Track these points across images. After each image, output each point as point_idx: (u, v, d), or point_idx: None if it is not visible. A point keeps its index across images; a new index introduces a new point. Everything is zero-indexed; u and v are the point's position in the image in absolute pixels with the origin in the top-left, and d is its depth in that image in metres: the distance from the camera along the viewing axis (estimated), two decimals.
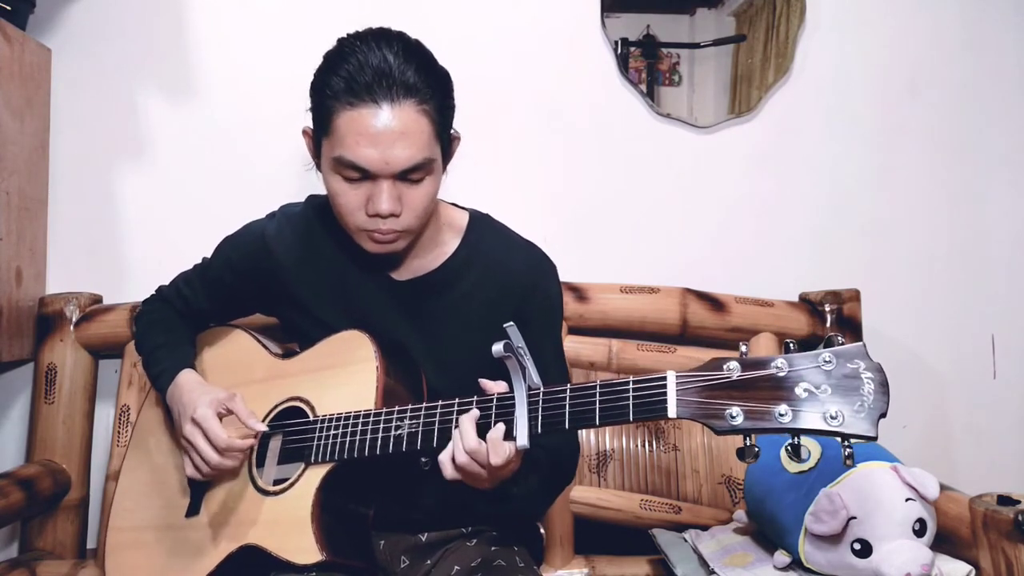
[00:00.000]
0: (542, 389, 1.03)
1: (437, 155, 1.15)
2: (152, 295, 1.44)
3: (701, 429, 1.72)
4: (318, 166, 1.20)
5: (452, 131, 1.20)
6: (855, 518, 1.28)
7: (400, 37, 1.14)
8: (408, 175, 1.12)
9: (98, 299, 1.81)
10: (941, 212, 2.00)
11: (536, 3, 1.92)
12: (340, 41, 1.16)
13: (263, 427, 1.20)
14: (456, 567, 1.21)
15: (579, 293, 1.78)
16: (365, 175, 1.12)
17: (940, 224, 2.00)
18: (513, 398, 1.03)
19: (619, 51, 1.92)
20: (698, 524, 1.62)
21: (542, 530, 1.44)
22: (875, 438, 0.87)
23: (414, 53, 1.13)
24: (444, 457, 1.06)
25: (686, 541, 1.53)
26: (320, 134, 1.15)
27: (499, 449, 1.02)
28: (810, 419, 0.88)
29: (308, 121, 1.19)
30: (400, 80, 1.09)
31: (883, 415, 0.88)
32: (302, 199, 1.33)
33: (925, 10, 1.99)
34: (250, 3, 1.88)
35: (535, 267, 1.27)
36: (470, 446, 1.03)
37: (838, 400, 0.88)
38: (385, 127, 1.09)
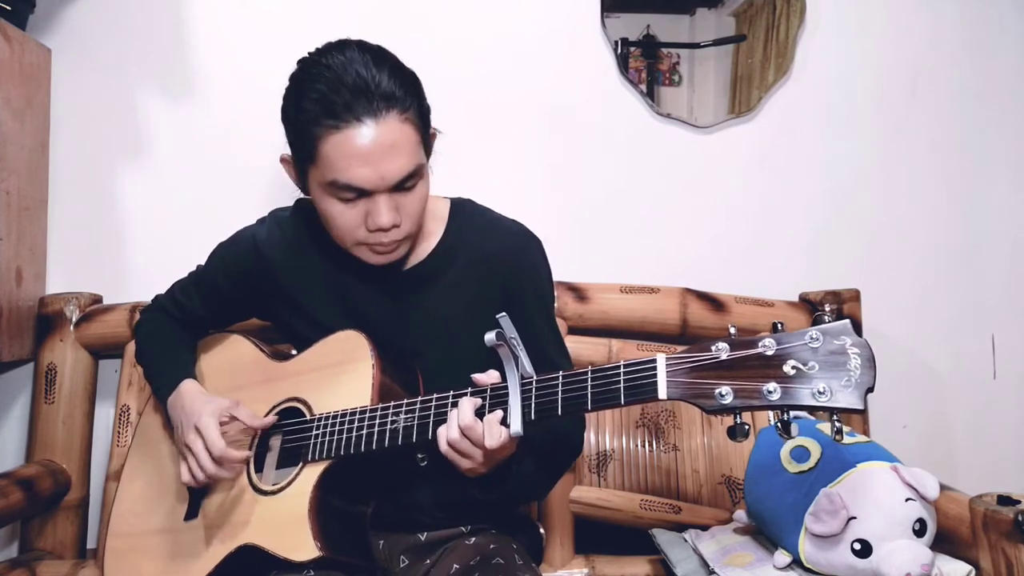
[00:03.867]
0: (535, 377, 1.04)
1: (424, 159, 1.15)
2: (149, 304, 1.44)
3: (701, 429, 1.72)
4: (304, 190, 1.20)
5: (431, 129, 1.20)
6: (855, 518, 1.28)
7: (364, 47, 1.13)
8: (402, 185, 1.12)
9: (98, 299, 1.81)
10: (941, 212, 2.00)
11: (536, 3, 1.92)
12: (303, 62, 1.14)
13: (268, 421, 1.22)
14: (455, 565, 1.21)
15: (579, 293, 1.78)
16: (361, 193, 1.12)
17: (940, 224, 2.00)
18: (507, 387, 1.03)
19: (619, 51, 1.92)
20: (698, 524, 1.62)
21: (542, 530, 1.44)
22: (863, 411, 0.89)
23: (381, 60, 1.12)
24: (440, 431, 1.07)
25: (686, 541, 1.53)
26: (304, 162, 1.14)
27: (494, 431, 1.03)
28: (799, 395, 0.90)
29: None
30: (378, 93, 1.08)
31: (870, 389, 0.89)
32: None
33: (925, 10, 1.99)
34: (250, 3, 1.88)
35: (519, 243, 1.27)
36: (465, 422, 1.04)
37: (826, 376, 0.90)
38: (374, 144, 1.08)
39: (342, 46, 1.13)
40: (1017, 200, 2.02)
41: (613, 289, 1.80)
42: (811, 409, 0.91)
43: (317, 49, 1.15)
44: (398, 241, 1.16)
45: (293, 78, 1.15)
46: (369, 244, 1.16)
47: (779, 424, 0.92)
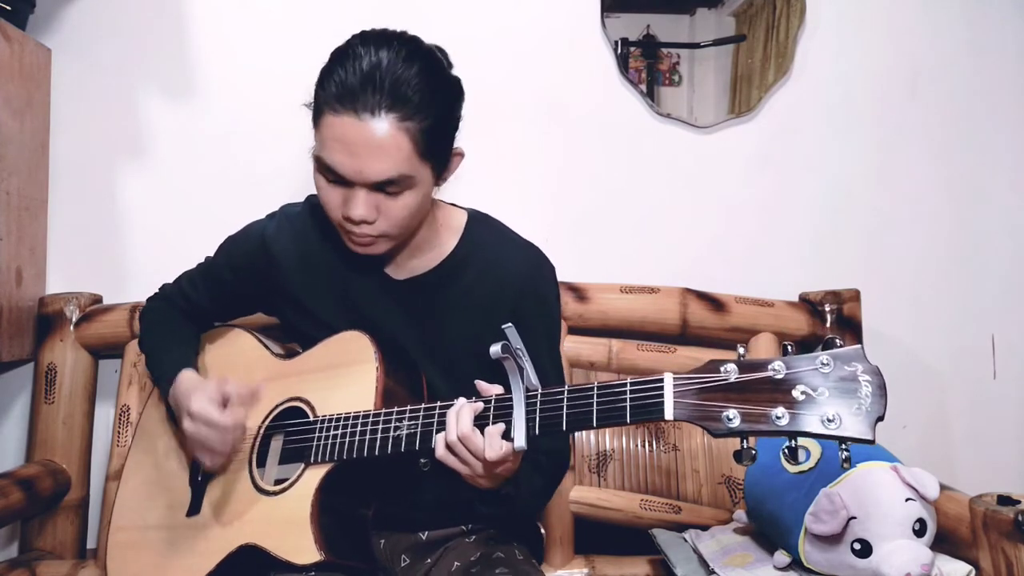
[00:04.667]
0: (540, 391, 1.03)
1: (418, 172, 1.12)
2: (156, 293, 1.44)
3: (701, 430, 1.72)
4: None
5: (454, 148, 1.18)
6: (855, 518, 1.28)
7: (406, 41, 1.12)
8: (383, 187, 1.11)
9: (98, 299, 1.81)
10: (941, 212, 2.00)
11: (536, 3, 1.92)
12: (349, 40, 1.14)
13: (260, 387, 1.21)
14: (456, 563, 1.21)
15: (579, 293, 1.78)
16: (341, 179, 1.12)
17: (940, 224, 2.00)
18: (511, 399, 1.02)
19: (619, 51, 1.92)
20: (698, 524, 1.62)
21: (542, 530, 1.44)
22: (872, 441, 0.87)
23: (415, 61, 1.10)
24: (439, 437, 1.06)
25: (686, 541, 1.53)
26: (313, 128, 1.15)
27: (495, 444, 1.02)
28: (807, 422, 0.88)
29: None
30: (388, 90, 1.07)
31: (880, 418, 0.87)
32: (302, 199, 1.33)
33: (925, 10, 1.99)
34: (250, 3, 1.88)
35: (532, 267, 1.27)
36: (463, 431, 1.03)
37: (835, 403, 0.88)
38: (361, 138, 1.08)
39: (384, 35, 1.12)
40: (1017, 200, 2.02)
41: (613, 289, 1.80)
42: (819, 438, 0.89)
43: (365, 31, 1.14)
44: (373, 237, 1.16)
45: (333, 52, 1.14)
46: (346, 230, 1.16)
47: (786, 450, 0.90)
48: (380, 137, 1.07)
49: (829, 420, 0.87)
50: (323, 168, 1.12)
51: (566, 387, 1.02)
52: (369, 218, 1.13)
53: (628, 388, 0.98)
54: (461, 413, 1.04)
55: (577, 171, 1.93)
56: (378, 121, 1.07)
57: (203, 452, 1.23)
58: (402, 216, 1.14)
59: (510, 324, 1.02)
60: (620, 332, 1.79)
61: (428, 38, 1.19)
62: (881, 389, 0.88)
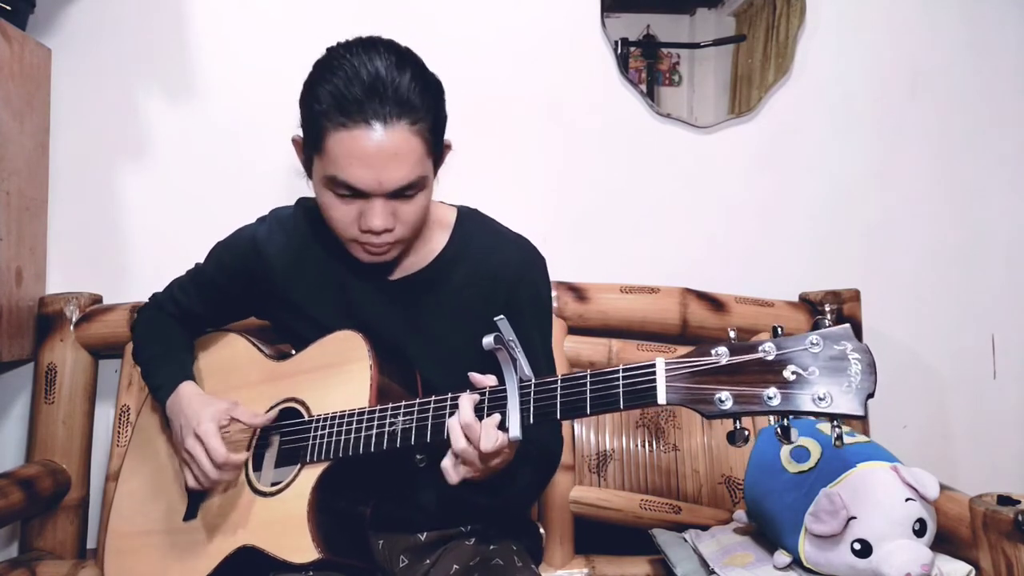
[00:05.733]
0: (533, 380, 1.03)
1: (430, 171, 1.14)
2: (147, 302, 1.44)
3: (701, 429, 1.72)
4: (309, 175, 1.19)
5: (445, 140, 1.19)
6: (855, 518, 1.28)
7: (391, 47, 1.12)
8: (401, 193, 1.12)
9: (98, 299, 1.81)
10: (941, 212, 2.00)
11: (536, 3, 1.92)
12: (329, 51, 1.13)
13: (269, 418, 1.22)
14: (455, 566, 1.21)
15: (579, 293, 1.78)
16: (358, 193, 1.11)
17: (940, 224, 2.01)
18: (505, 390, 1.03)
19: (619, 51, 1.92)
20: (698, 524, 1.62)
21: (542, 530, 1.44)
22: (863, 416, 0.89)
23: (406, 65, 1.10)
24: (446, 463, 1.06)
25: (686, 541, 1.53)
26: (311, 150, 1.14)
27: (491, 434, 1.02)
28: (799, 401, 0.90)
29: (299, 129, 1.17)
30: (393, 98, 1.07)
31: (871, 395, 0.89)
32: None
33: (925, 10, 1.99)
34: (250, 3, 1.88)
35: (524, 260, 1.27)
36: (466, 419, 1.03)
37: (826, 381, 0.89)
38: (378, 149, 1.07)
39: (369, 43, 1.12)
40: (1017, 200, 2.03)
41: (613, 289, 1.80)
42: (811, 415, 0.91)
43: (346, 41, 1.14)
44: (390, 244, 1.16)
45: (316, 64, 1.14)
46: (361, 243, 1.16)
47: (779, 429, 0.92)
48: (397, 144, 1.08)
49: (820, 399, 0.89)
50: (337, 186, 1.11)
51: (559, 376, 1.03)
52: (389, 226, 1.13)
53: (621, 374, 0.99)
54: (461, 407, 1.04)
55: (577, 171, 1.93)
56: (391, 128, 1.07)
57: (190, 472, 1.23)
58: (416, 218, 1.16)
59: (502, 316, 1.02)
60: (620, 332, 1.80)
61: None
62: (871, 367, 0.89)
